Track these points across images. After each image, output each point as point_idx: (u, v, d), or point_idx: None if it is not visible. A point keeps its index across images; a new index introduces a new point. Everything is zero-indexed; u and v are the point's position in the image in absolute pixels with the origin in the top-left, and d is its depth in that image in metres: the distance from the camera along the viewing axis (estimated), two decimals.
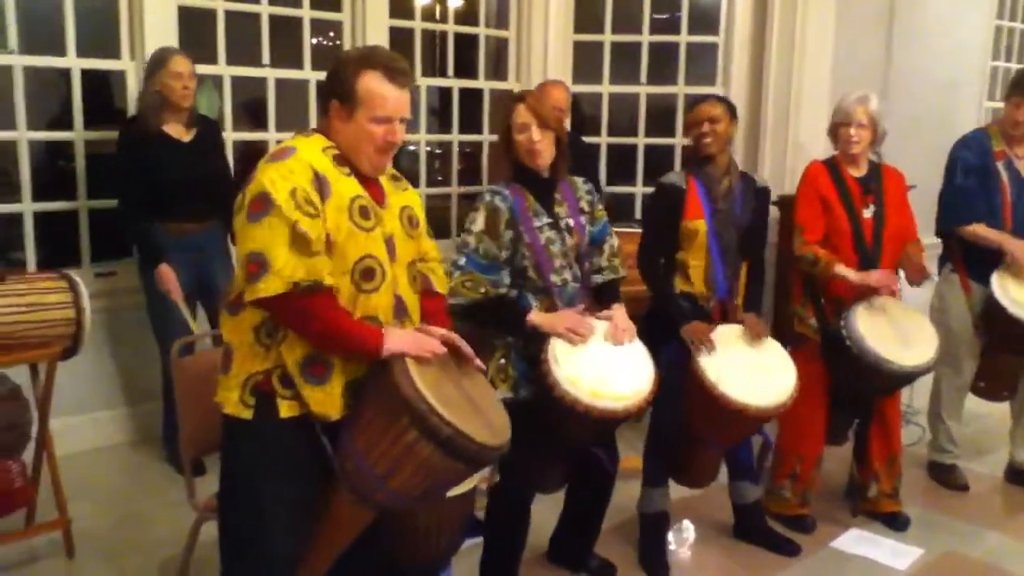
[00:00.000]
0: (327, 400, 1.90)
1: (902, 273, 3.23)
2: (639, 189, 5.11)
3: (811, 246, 3.13)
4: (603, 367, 2.46)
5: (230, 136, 4.06)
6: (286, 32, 4.26)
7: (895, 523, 3.35)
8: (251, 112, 4.53)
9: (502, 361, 2.57)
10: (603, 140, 5.11)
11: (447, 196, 4.96)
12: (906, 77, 5.29)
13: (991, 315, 3.48)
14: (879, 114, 3.18)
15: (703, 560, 3.14)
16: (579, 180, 2.75)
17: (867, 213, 3.18)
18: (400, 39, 4.54)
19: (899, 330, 3.06)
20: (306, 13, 4.29)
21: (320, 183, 1.87)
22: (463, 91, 4.93)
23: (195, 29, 3.98)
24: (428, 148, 5.17)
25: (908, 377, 3.10)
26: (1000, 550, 3.23)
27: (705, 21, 5.03)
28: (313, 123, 4.30)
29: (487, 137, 4.98)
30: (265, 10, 4.15)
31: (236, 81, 4.12)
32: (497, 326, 2.57)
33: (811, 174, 3.23)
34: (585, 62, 5.05)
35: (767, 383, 2.78)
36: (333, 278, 1.85)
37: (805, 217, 3.17)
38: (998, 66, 6.26)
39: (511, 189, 2.59)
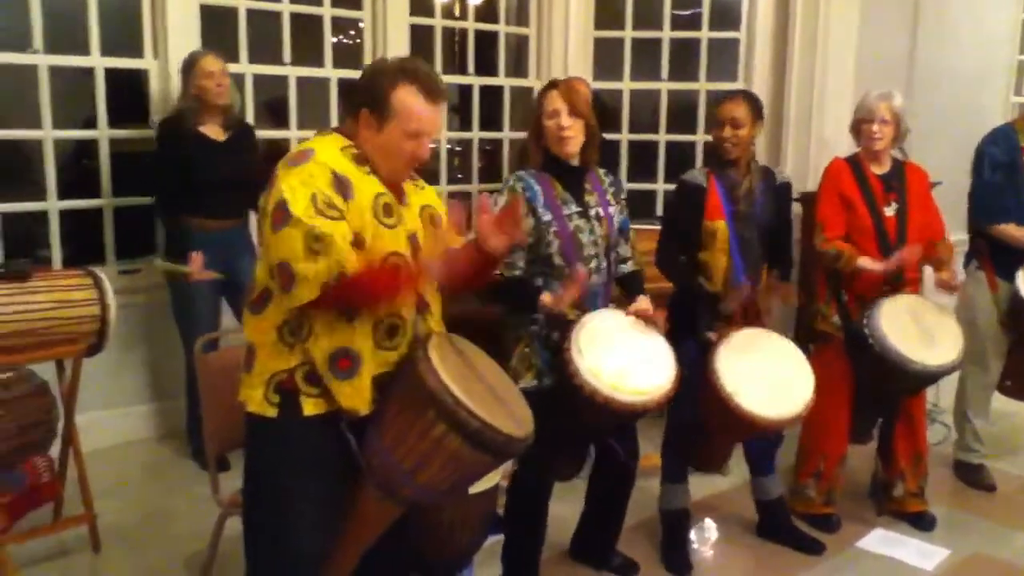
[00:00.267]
0: (356, 395, 1.90)
1: (928, 270, 3.20)
2: (660, 186, 5.09)
3: (832, 242, 3.10)
4: (626, 361, 2.45)
5: None
6: (307, 30, 4.29)
7: (921, 523, 3.32)
8: (272, 110, 4.55)
9: (526, 350, 2.59)
10: (624, 137, 5.09)
11: (467, 194, 4.96)
12: (932, 72, 5.21)
13: (1017, 313, 3.44)
14: (902, 111, 3.15)
15: (726, 559, 3.13)
16: (602, 171, 2.75)
17: (889, 211, 3.15)
18: (420, 36, 4.55)
19: (923, 328, 3.02)
20: (327, 11, 4.31)
21: (341, 184, 1.87)
22: (483, 88, 4.93)
23: (217, 28, 4.01)
24: (448, 145, 5.16)
25: (932, 377, 3.06)
26: None
27: (727, 16, 4.99)
28: (334, 121, 4.34)
29: (507, 134, 4.98)
30: (286, 8, 4.17)
31: (257, 79, 4.15)
32: (512, 308, 2.59)
33: (832, 171, 3.20)
34: (606, 58, 5.03)
35: (784, 394, 2.72)
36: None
37: (826, 214, 3.15)
38: None
39: (538, 177, 2.59)
